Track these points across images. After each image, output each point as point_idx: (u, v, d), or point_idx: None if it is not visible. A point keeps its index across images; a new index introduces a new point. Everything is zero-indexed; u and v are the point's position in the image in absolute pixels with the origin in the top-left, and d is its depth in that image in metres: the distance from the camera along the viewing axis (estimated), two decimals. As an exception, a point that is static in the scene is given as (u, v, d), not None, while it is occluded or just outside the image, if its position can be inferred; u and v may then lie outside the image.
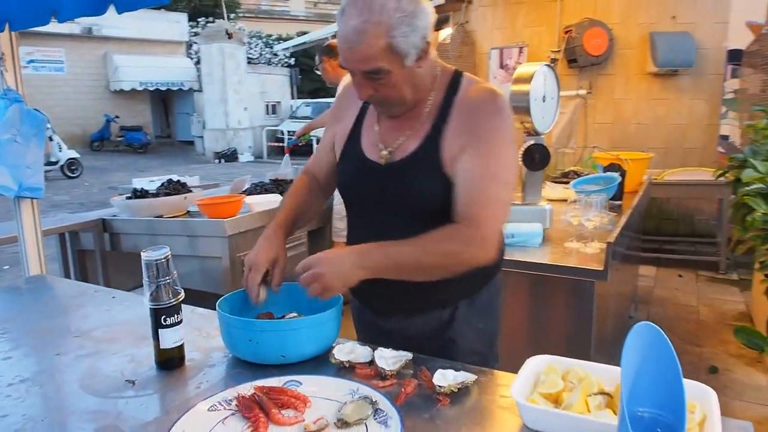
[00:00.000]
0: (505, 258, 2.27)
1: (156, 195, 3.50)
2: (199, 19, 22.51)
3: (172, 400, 1.26)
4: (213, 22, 20.02)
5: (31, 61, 18.98)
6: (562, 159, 5.73)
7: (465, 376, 1.22)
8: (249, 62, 19.50)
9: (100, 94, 20.91)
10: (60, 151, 13.74)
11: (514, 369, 1.24)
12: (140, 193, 3.55)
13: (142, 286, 3.13)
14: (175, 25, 22.62)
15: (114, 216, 3.68)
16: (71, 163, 13.89)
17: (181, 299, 1.39)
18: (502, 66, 6.20)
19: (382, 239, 1.37)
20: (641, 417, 0.88)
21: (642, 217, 4.31)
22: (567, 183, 3.40)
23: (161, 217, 3.41)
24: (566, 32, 5.63)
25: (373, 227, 1.50)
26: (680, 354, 0.85)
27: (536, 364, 1.19)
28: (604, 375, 1.13)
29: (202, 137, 19.07)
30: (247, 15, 25.84)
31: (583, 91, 5.67)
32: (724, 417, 1.04)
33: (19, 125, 2.58)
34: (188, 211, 3.52)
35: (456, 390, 1.19)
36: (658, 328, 0.88)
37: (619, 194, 3.15)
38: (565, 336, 2.27)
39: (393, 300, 1.44)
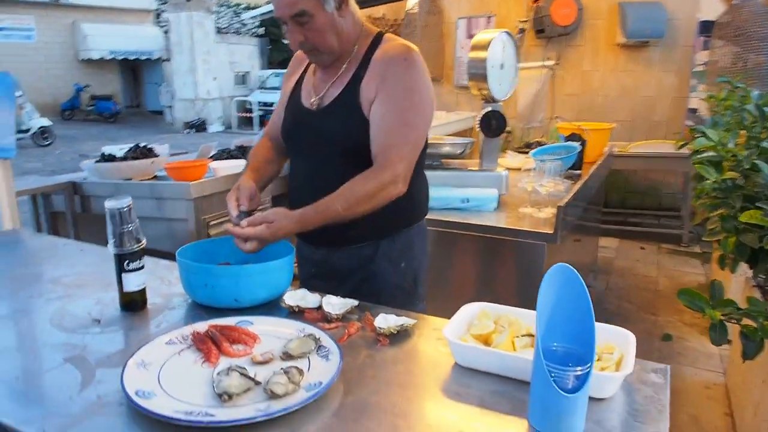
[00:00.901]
0: (460, 221, 2.41)
1: (124, 159, 3.53)
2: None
3: (134, 337, 1.36)
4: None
5: (1, 28, 18.53)
6: (528, 132, 5.85)
7: (405, 320, 1.32)
8: (218, 32, 19.21)
9: (70, 63, 20.49)
10: (31, 119, 13.52)
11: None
12: (108, 157, 3.57)
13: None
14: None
15: (84, 179, 3.71)
16: (43, 131, 13.68)
17: (143, 246, 1.47)
18: (469, 36, 6.24)
19: (316, 175, 1.65)
20: (555, 350, 0.97)
21: (602, 188, 4.43)
22: (528, 153, 3.51)
23: (130, 180, 3.45)
24: (534, 2, 5.66)
25: (307, 166, 1.74)
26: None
27: (470, 309, 1.29)
28: (531, 319, 1.23)
29: (171, 107, 18.84)
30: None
31: (550, 62, 5.75)
32: (641, 359, 1.16)
33: (-14, 86, 2.61)
34: (156, 176, 3.56)
35: (395, 332, 1.29)
36: (573, 269, 0.97)
37: (578, 164, 3.26)
38: (516, 297, 2.39)
39: (320, 233, 1.58)
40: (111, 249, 1.44)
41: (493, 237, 2.36)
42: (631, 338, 1.15)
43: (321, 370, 1.12)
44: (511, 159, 3.57)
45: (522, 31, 5.68)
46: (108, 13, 20.88)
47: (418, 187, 1.75)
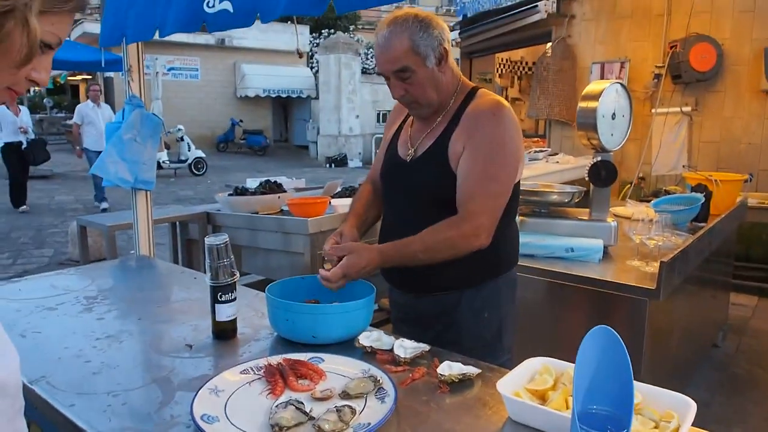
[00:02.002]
0: (562, 271, 2.35)
1: (254, 193, 3.81)
2: (322, 31, 23.41)
3: (218, 363, 1.49)
4: (333, 33, 20.79)
5: (171, 68, 20.62)
6: (664, 179, 5.55)
7: (469, 369, 1.33)
8: (363, 72, 20.06)
9: (228, 99, 22.32)
10: (189, 150, 14.87)
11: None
12: (240, 191, 3.88)
13: (242, 275, 3.48)
14: (298, 36, 23.67)
15: (218, 210, 4.05)
16: (197, 162, 14.97)
17: (236, 279, 1.61)
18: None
19: (405, 224, 1.70)
20: (594, 413, 0.95)
21: (732, 240, 4.10)
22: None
23: (257, 213, 3.72)
24: (671, 47, 5.42)
25: (398, 212, 1.84)
26: None
27: (533, 363, 1.28)
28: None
29: (315, 142, 19.87)
30: (366, 27, 26.56)
31: (687, 108, 5.45)
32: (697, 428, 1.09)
33: (139, 127, 2.96)
34: (282, 210, 3.81)
35: (457, 380, 1.30)
36: (613, 331, 0.95)
37: (704, 216, 3.07)
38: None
39: (406, 280, 1.68)
40: (207, 281, 1.58)
41: (595, 289, 2.29)
42: (691, 407, 1.09)
43: (374, 411, 1.16)
44: (631, 207, 3.42)
45: (658, 76, 5.45)
46: (265, 55, 22.57)
47: (506, 237, 1.76)
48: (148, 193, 3.05)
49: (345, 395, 1.22)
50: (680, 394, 1.14)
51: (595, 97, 2.48)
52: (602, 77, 6.08)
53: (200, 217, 4.03)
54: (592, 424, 0.91)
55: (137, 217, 2.98)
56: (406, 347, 1.46)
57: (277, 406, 1.16)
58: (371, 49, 22.20)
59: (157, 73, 15.60)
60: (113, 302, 1.97)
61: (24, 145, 9.48)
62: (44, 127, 24.08)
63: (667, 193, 3.88)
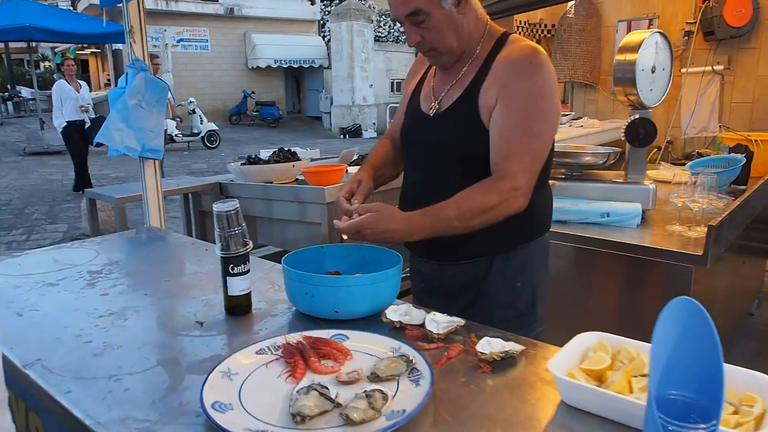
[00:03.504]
0: (598, 237, 2.19)
1: (267, 162, 3.66)
2: (333, -2, 23.04)
3: (232, 342, 1.35)
4: (344, 0, 20.40)
5: (180, 39, 20.37)
6: (692, 142, 5.33)
7: (512, 346, 1.19)
8: (376, 40, 19.70)
9: (239, 71, 22.04)
10: (201, 123, 14.72)
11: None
12: (254, 160, 3.73)
13: (257, 247, 3.32)
14: (308, 4, 23.30)
15: (231, 180, 3.91)
16: (210, 135, 14.82)
17: (249, 249, 1.46)
18: (629, 40, 5.82)
19: (430, 186, 1.56)
20: (674, 401, 0.80)
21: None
22: (685, 165, 3.17)
23: (271, 183, 3.57)
24: (704, 2, 5.12)
25: (421, 174, 1.65)
26: None
27: (586, 339, 1.13)
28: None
29: (329, 113, 19.61)
30: (379, -8, 26.10)
31: (720, 67, 5.18)
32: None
33: (144, 92, 2.81)
34: (297, 179, 3.66)
35: (499, 359, 1.16)
36: (698, 303, 0.80)
37: (744, 178, 2.88)
38: (652, 324, 2.12)
39: (430, 246, 1.49)
40: (217, 252, 1.44)
41: (634, 256, 2.13)
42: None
43: (408, 396, 1.02)
44: (664, 171, 3.24)
45: (689, 33, 5.17)
46: (275, 24, 22.22)
47: (540, 200, 1.59)
48: (157, 162, 2.92)
49: (374, 378, 1.07)
50: (762, 374, 0.99)
51: (634, 48, 2.29)
52: (628, 36, 5.82)
53: (212, 187, 3.90)
54: (672, 413, 0.75)
55: (146, 188, 2.86)
56: (438, 322, 1.32)
57: (298, 391, 1.02)
58: (384, 16, 21.85)
59: (166, 45, 15.41)
60: (118, 277, 1.83)
61: (87, 125, 8.75)
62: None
63: (700, 155, 3.69)
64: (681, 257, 1.98)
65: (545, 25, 6.78)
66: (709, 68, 5.21)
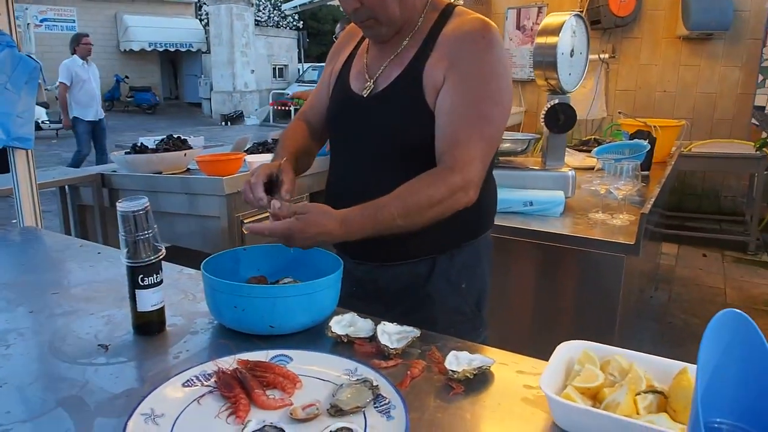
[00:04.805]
0: (521, 227, 2.12)
1: (155, 150, 3.33)
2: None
3: (147, 370, 1.11)
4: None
5: (44, 19, 18.74)
6: (580, 129, 5.51)
7: (482, 360, 1.05)
8: (257, 24, 19.20)
9: (111, 54, 20.63)
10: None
11: (528, 351, 1.11)
12: (140, 149, 3.38)
13: None
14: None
15: (114, 171, 3.53)
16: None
17: (161, 256, 1.23)
18: (518, 27, 5.91)
19: (364, 177, 1.38)
20: (718, 429, 0.69)
21: (667, 190, 4.08)
22: (588, 151, 3.21)
23: (160, 173, 3.25)
24: (590, -10, 5.30)
25: (352, 166, 1.45)
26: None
27: (569, 350, 1.00)
28: (652, 367, 0.94)
29: (209, 99, 18.91)
30: (258, -25, 25.42)
31: (605, 55, 5.38)
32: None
33: (10, 72, 2.43)
34: (188, 169, 3.36)
35: (472, 376, 1.01)
36: (749, 317, 0.69)
37: (647, 164, 2.94)
38: (585, 317, 2.09)
39: (361, 246, 1.28)
40: (123, 260, 1.19)
41: (561, 246, 2.07)
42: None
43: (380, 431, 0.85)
44: (570, 157, 3.25)
45: (576, 21, 5.32)
46: (149, 5, 20.98)
47: (486, 192, 1.43)
48: (30, 152, 2.54)
49: (337, 411, 0.89)
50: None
51: (555, 31, 2.23)
52: (518, 24, 5.91)
53: (93, 179, 3.49)
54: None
55: (18, 181, 2.47)
56: (390, 333, 1.15)
57: (247, 436, 0.82)
58: (263, 0, 21.25)
59: (28, 24, 14.05)
60: (-9, 290, 1.52)
61: None
62: None
63: (598, 142, 3.77)
64: (613, 247, 1.94)
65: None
66: (595, 56, 5.39)
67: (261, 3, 20.65)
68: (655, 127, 3.17)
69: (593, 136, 4.25)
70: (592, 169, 2.44)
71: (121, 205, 1.17)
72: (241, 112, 17.87)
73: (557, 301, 2.15)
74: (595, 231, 2.08)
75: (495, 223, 2.15)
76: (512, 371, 1.07)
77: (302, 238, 1.20)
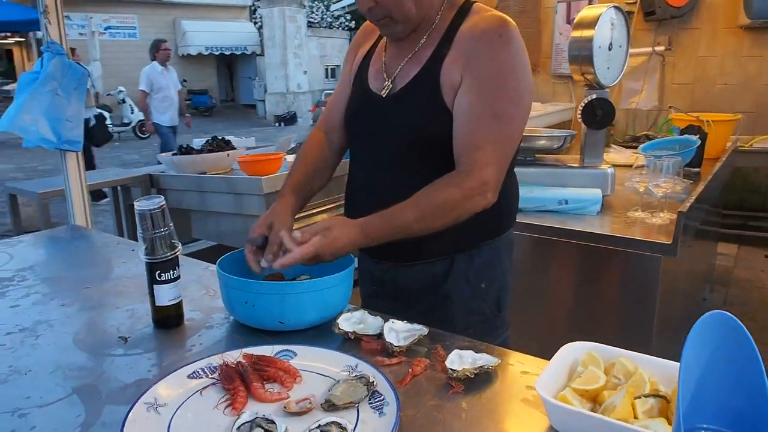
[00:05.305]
0: (556, 226, 2.07)
1: (200, 152, 3.42)
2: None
3: (160, 362, 1.15)
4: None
5: (108, 27, 19.49)
6: (634, 125, 5.34)
7: (485, 360, 1.03)
8: (310, 26, 19.41)
9: (172, 58, 21.36)
10: (132, 113, 14.13)
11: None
12: (186, 150, 3.48)
13: (191, 241, 2.99)
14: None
15: (162, 172, 3.65)
16: (141, 124, 14.21)
17: (177, 253, 1.26)
18: (569, 21, 5.76)
19: (382, 178, 1.37)
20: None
21: (723, 188, 3.90)
22: (636, 147, 3.10)
23: (205, 173, 3.34)
24: (644, -19, 5.10)
25: (371, 168, 1.44)
26: (763, 343, 0.63)
27: (572, 351, 0.97)
28: (660, 371, 0.90)
29: (263, 101, 19.25)
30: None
31: (660, 48, 5.18)
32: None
33: (61, 78, 2.54)
34: (232, 169, 3.45)
35: (472, 375, 1.00)
36: (737, 320, 0.65)
37: (697, 161, 2.82)
38: (622, 319, 2.02)
39: (380, 246, 1.27)
40: (142, 257, 1.23)
41: (597, 246, 2.01)
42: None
43: (372, 428, 0.85)
44: (615, 154, 3.16)
45: (629, 13, 5.14)
46: (206, 10, 21.55)
47: (507, 191, 1.41)
48: (79, 154, 2.65)
49: (330, 406, 0.90)
50: None
51: (591, 24, 2.17)
52: (568, 17, 5.77)
53: (143, 179, 3.63)
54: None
55: (69, 182, 2.59)
56: (398, 331, 1.15)
57: (238, 428, 0.84)
58: (316, 1, 21.50)
59: (93, 32, 14.64)
60: (33, 284, 1.59)
61: (92, 122, 7.55)
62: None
63: (648, 138, 3.65)
64: (649, 246, 1.87)
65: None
66: (650, 49, 5.21)
67: (314, 4, 20.90)
68: (707, 121, 3.04)
69: (644, 132, 4.12)
70: (641, 166, 2.35)
71: (139, 204, 1.21)
72: (294, 113, 18.13)
73: (593, 303, 2.09)
74: (632, 230, 2.01)
75: (529, 222, 2.14)
76: (517, 372, 1.05)
77: (330, 253, 1.20)
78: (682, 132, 2.99)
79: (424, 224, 1.24)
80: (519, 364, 1.07)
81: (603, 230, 2.03)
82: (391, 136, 1.39)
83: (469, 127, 1.27)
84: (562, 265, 2.15)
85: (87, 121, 7.38)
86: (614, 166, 2.42)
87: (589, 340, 1.00)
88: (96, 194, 7.15)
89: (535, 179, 2.32)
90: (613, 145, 3.45)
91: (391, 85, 1.40)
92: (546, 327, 2.12)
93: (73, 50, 7.68)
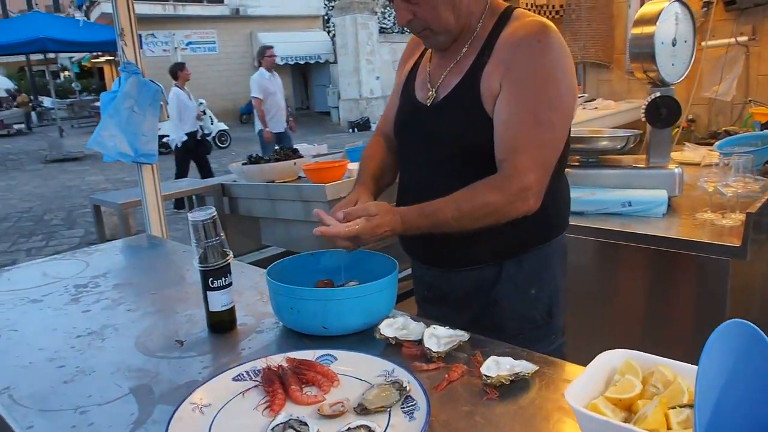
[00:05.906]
0: (619, 230, 2.01)
1: (268, 161, 3.53)
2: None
3: (212, 364, 1.21)
4: (347, -7, 20.29)
5: (189, 42, 20.40)
6: (717, 120, 5.08)
7: (523, 366, 1.02)
8: (381, 31, 19.52)
9: (248, 70, 21.96)
10: (212, 123, 14.70)
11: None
12: (254, 159, 3.60)
13: (261, 248, 3.09)
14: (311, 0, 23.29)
15: (233, 181, 3.78)
16: (221, 135, 14.80)
17: (229, 261, 1.32)
18: (643, 15, 5.56)
19: (428, 184, 1.39)
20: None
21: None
22: (713, 144, 2.96)
23: (273, 182, 3.44)
24: (724, -31, 4.84)
25: (418, 172, 1.47)
26: None
27: (609, 359, 0.95)
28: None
29: (337, 107, 19.54)
30: (382, -17, 25.94)
31: (743, 38, 4.91)
32: None
33: (137, 95, 2.70)
34: (299, 177, 3.53)
35: (508, 382, 0.99)
36: (756, 327, 0.63)
37: (780, 158, 2.67)
38: (688, 326, 1.94)
39: (430, 251, 1.34)
40: (195, 265, 1.30)
41: (661, 249, 1.93)
42: None
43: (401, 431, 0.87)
44: (689, 152, 3.03)
45: (708, 3, 4.91)
46: (281, 22, 22.16)
47: (556, 195, 1.40)
48: (155, 167, 2.81)
49: (362, 410, 0.92)
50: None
51: (652, 20, 2.09)
52: (642, 12, 5.57)
53: (215, 189, 3.77)
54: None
55: (145, 193, 2.75)
56: (439, 336, 1.16)
57: (272, 430, 0.87)
58: (388, 8, 21.62)
59: (176, 48, 15.37)
60: (104, 290, 1.70)
61: (199, 134, 7.80)
62: (75, 110, 24.49)
63: (728, 133, 3.47)
64: (716, 249, 1.78)
65: (552, 6, 6.54)
66: (732, 40, 4.94)
67: (386, 10, 21.05)
68: (789, 116, 2.87)
69: (725, 128, 3.92)
70: (710, 165, 2.24)
71: (192, 215, 1.28)
72: (368, 119, 18.32)
73: (657, 308, 2.02)
74: (699, 232, 1.93)
75: (591, 225, 2.09)
76: (557, 380, 1.03)
77: (370, 237, 1.25)
78: (763, 127, 2.84)
79: (461, 223, 1.27)
80: (560, 371, 1.06)
81: (668, 233, 1.95)
82: (435, 144, 1.41)
83: (511, 133, 1.28)
84: (624, 270, 2.08)
85: (195, 133, 7.88)
86: (685, 164, 2.32)
87: (653, 348, 0.97)
88: (179, 203, 7.47)
89: (596, 181, 2.26)
90: (689, 144, 3.31)
91: (434, 95, 1.42)
92: (607, 334, 2.06)
93: (182, 65, 7.95)
